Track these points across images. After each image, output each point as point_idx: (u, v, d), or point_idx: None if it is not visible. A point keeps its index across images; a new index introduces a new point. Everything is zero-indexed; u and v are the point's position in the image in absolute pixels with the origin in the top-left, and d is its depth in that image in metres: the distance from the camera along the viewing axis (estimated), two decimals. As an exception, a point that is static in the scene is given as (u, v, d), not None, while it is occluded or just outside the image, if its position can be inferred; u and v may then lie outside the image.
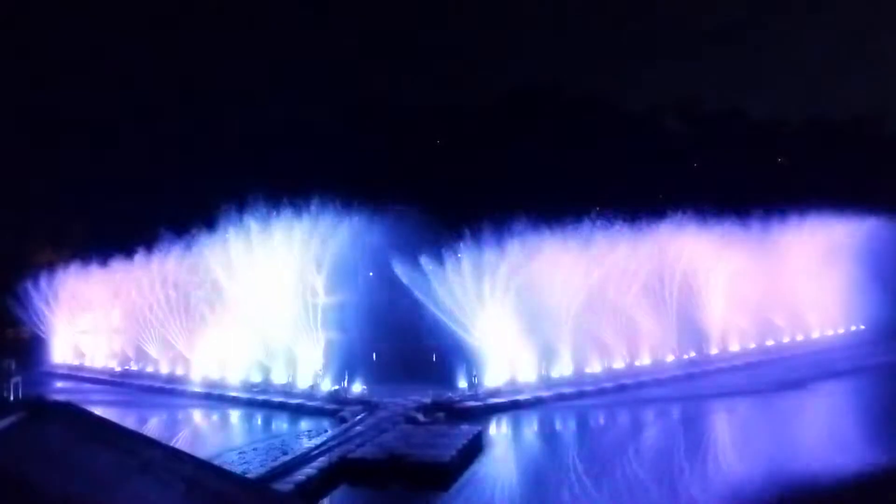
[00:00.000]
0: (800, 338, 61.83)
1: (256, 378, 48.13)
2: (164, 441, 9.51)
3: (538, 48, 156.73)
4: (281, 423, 41.12)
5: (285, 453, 30.09)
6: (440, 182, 79.81)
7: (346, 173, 48.68)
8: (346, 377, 44.62)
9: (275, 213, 49.08)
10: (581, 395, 44.17)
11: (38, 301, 66.93)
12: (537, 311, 46.28)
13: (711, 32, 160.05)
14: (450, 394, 42.15)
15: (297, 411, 42.36)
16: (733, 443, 35.53)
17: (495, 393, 42.97)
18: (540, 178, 76.29)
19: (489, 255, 47.12)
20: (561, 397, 43.39)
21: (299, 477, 26.16)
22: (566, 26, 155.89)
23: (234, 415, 44.14)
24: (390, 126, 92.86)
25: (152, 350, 56.94)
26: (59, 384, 57.36)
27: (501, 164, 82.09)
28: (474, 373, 44.11)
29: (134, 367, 58.25)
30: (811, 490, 26.03)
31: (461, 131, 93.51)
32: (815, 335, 62.98)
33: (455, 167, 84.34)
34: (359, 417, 37.18)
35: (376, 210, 48.54)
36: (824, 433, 36.79)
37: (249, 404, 45.02)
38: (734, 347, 56.30)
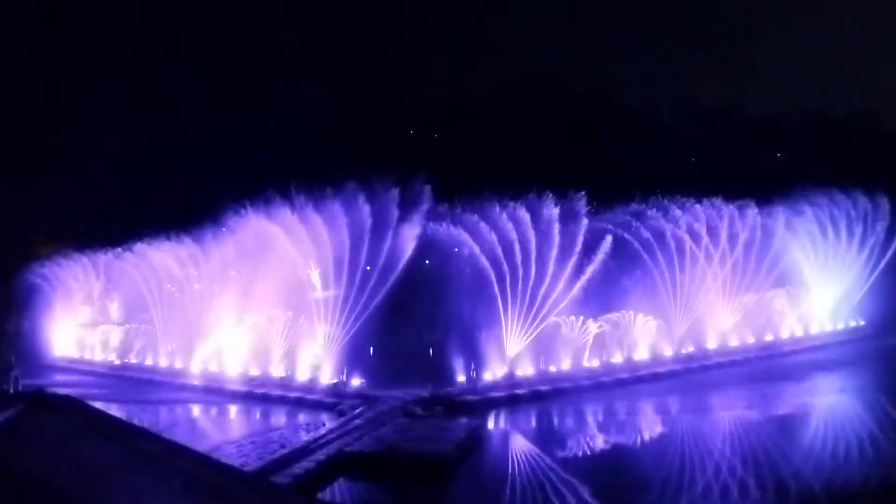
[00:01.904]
0: (799, 333, 61.91)
1: (255, 371, 48.24)
2: (162, 434, 9.54)
3: (537, 44, 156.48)
4: (279, 417, 41.22)
5: (283, 446, 30.14)
6: (438, 178, 79.61)
7: (344, 170, 48.71)
8: (345, 371, 44.70)
9: (273, 208, 49.07)
10: (579, 389, 44.27)
11: (37, 294, 66.94)
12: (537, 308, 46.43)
13: (711, 28, 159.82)
14: (448, 388, 42.15)
15: (295, 405, 42.47)
16: (733, 437, 35.63)
17: (494, 387, 43.04)
18: (538, 173, 76.15)
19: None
20: (559, 391, 43.52)
21: (297, 470, 26.24)
22: (566, 22, 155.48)
23: (233, 408, 44.26)
24: (388, 122, 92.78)
25: (151, 343, 57.00)
26: (59, 377, 57.44)
27: (500, 160, 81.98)
28: (473, 367, 44.16)
29: (133, 361, 58.34)
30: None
31: (460, 127, 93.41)
32: (814, 331, 63.06)
33: (452, 162, 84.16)
34: (357, 411, 37.26)
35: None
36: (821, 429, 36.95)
37: (248, 397, 45.15)
38: (733, 342, 56.40)
